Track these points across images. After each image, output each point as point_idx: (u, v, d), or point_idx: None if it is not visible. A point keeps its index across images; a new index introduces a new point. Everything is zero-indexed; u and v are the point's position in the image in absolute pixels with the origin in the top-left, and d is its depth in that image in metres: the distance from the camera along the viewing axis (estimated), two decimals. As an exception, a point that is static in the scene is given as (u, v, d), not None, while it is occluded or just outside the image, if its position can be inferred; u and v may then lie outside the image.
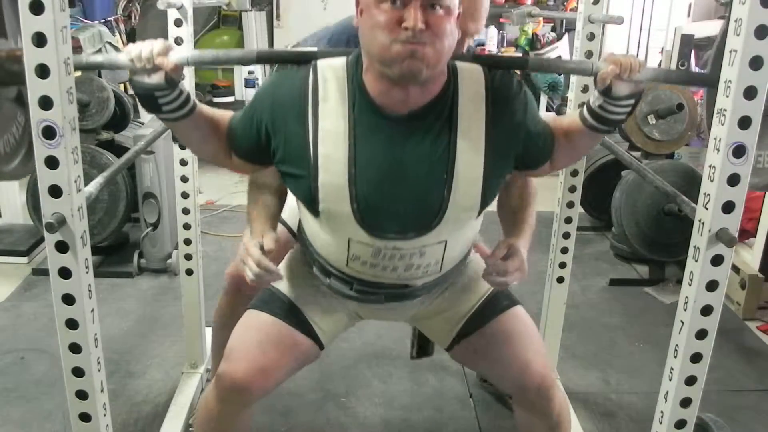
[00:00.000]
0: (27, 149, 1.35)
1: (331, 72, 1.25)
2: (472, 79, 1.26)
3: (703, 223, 1.18)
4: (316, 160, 1.23)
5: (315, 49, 1.35)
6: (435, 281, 1.41)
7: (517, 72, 6.10)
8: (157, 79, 1.17)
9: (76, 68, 1.15)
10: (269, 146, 1.29)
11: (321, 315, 1.46)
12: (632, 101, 1.23)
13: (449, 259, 1.36)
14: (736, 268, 2.83)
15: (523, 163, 1.33)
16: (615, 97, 1.22)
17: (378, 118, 1.23)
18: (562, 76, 5.19)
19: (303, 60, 1.28)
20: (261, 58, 1.29)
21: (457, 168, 1.24)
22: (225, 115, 1.34)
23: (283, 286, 1.46)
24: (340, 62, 1.27)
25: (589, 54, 1.90)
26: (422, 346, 1.61)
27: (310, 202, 1.27)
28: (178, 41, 1.86)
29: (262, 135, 1.28)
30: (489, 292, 1.48)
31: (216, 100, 4.88)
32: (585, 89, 1.93)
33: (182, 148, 1.96)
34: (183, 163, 2.01)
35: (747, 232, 3.09)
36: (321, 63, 1.27)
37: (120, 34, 4.60)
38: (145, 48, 1.15)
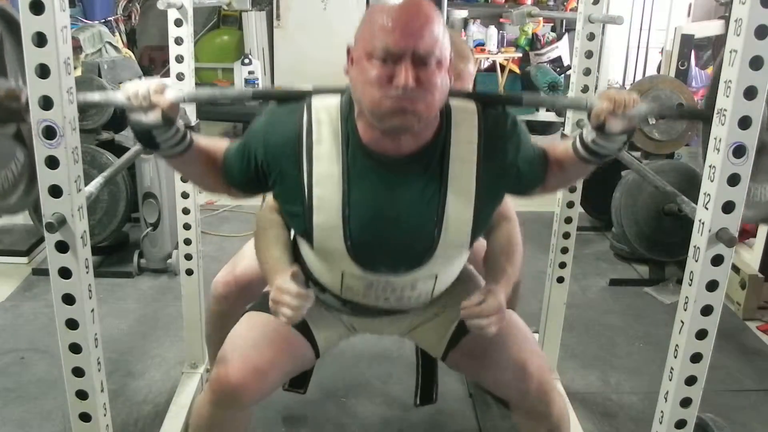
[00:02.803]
0: (26, 185, 1.35)
1: (325, 113, 1.26)
2: (465, 122, 1.27)
3: (703, 223, 1.19)
4: (311, 201, 1.25)
5: (310, 87, 1.34)
6: (427, 305, 1.44)
7: (518, 71, 6.08)
8: (153, 117, 1.18)
9: None
10: (266, 180, 1.30)
11: (318, 320, 1.47)
12: (624, 137, 1.24)
13: (439, 289, 1.40)
14: (736, 268, 2.83)
15: (513, 191, 1.35)
16: (608, 133, 1.22)
17: (371, 162, 1.24)
18: (562, 75, 5.19)
19: (298, 98, 1.29)
20: (257, 96, 1.33)
21: (448, 210, 1.26)
22: (221, 147, 1.34)
23: None
24: (334, 102, 1.27)
25: (589, 54, 1.91)
26: (425, 392, 1.65)
27: (306, 237, 1.30)
28: (178, 41, 1.86)
29: (260, 172, 1.29)
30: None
31: (216, 100, 4.86)
32: (585, 89, 1.93)
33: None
34: (183, 163, 2.00)
35: (747, 232, 3.09)
36: (315, 103, 1.27)
37: (120, 34, 4.60)
38: (141, 87, 1.16)
